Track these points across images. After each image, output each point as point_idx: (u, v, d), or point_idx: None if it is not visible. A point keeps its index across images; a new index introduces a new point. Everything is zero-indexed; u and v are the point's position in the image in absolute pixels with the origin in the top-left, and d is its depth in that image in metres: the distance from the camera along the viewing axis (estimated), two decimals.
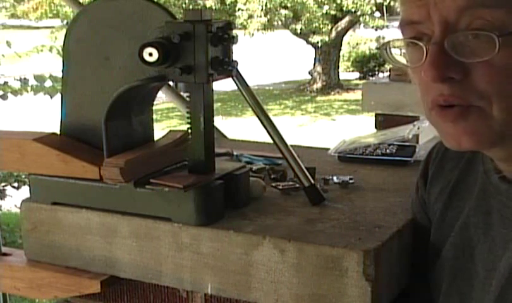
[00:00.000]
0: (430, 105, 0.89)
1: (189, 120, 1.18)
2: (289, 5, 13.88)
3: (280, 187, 1.29)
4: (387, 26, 14.79)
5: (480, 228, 0.99)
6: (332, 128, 10.99)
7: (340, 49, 15.20)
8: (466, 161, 1.07)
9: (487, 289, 0.95)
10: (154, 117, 1.31)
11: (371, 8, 13.67)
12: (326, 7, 14.02)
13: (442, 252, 1.07)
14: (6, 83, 4.17)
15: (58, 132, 1.29)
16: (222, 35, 1.14)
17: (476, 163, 1.04)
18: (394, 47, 0.93)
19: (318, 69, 14.82)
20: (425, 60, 0.85)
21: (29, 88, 4.06)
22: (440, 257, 1.07)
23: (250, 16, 13.82)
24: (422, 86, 0.89)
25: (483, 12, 0.81)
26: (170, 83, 1.19)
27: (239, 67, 1.20)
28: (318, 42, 14.47)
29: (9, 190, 5.63)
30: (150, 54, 1.10)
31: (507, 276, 0.91)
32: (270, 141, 1.25)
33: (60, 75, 1.29)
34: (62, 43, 1.31)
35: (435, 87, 0.86)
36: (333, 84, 14.79)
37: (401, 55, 0.94)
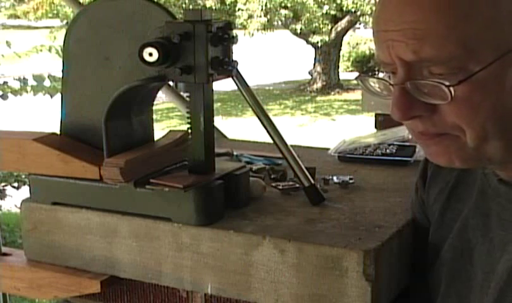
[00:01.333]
0: (410, 132, 0.93)
1: (189, 120, 1.18)
2: (289, 5, 13.88)
3: (280, 187, 1.29)
4: None
5: (479, 230, 0.99)
6: (332, 128, 10.99)
7: (340, 49, 15.20)
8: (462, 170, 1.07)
9: (485, 291, 0.95)
10: (154, 117, 1.31)
11: (371, 8, 13.66)
12: (326, 7, 14.02)
13: (440, 253, 1.07)
14: (5, 83, 4.17)
15: (58, 132, 1.29)
16: (222, 35, 1.14)
17: (474, 169, 1.04)
18: (369, 79, 0.95)
19: (318, 69, 14.82)
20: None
21: (29, 88, 4.06)
22: (438, 258, 1.07)
23: (250, 16, 13.82)
24: None
25: (430, 67, 0.83)
26: (170, 83, 1.20)
27: (239, 67, 1.20)
28: (318, 42, 14.46)
29: (9, 190, 5.63)
30: (150, 54, 1.10)
31: (505, 279, 0.91)
32: (270, 141, 1.25)
33: (59, 75, 1.29)
34: (61, 43, 1.31)
35: (405, 124, 0.90)
36: (333, 84, 14.78)
37: (377, 87, 0.96)
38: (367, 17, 14.12)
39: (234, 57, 1.18)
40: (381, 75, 0.94)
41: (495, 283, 0.93)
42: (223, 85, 1.56)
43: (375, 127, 2.98)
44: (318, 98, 14.17)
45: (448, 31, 0.80)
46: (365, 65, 16.01)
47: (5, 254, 1.42)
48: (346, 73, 16.12)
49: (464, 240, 1.02)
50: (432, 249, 1.10)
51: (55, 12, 16.22)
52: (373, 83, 0.95)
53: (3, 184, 5.56)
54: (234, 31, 1.17)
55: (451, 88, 0.81)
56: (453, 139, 0.87)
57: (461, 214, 1.04)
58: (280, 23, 14.48)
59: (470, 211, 1.02)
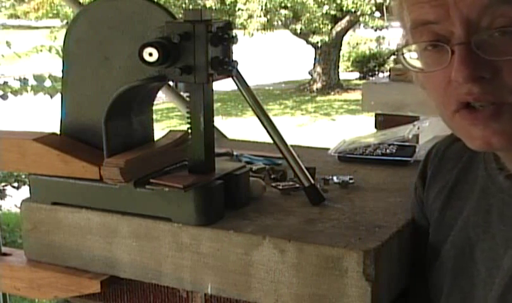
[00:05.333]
0: (454, 106, 0.87)
1: (189, 120, 1.18)
2: (289, 5, 13.88)
3: (280, 187, 1.29)
4: (386, 27, 14.78)
5: (480, 226, 0.99)
6: (332, 128, 10.99)
7: (340, 49, 15.19)
8: (466, 161, 1.07)
9: (490, 287, 0.95)
10: (154, 117, 1.31)
11: (371, 8, 13.66)
12: (326, 7, 14.02)
13: (441, 252, 1.07)
14: (5, 83, 4.17)
15: (58, 132, 1.29)
16: (222, 35, 1.14)
17: (477, 162, 1.04)
18: (410, 51, 0.91)
19: (318, 69, 14.82)
20: (451, 61, 0.83)
21: (29, 88, 4.05)
22: (440, 257, 1.07)
23: (250, 16, 13.82)
24: (441, 89, 0.88)
25: (504, 10, 0.80)
26: (170, 83, 1.20)
27: (239, 67, 1.20)
28: (318, 42, 14.46)
29: (9, 190, 5.63)
30: (150, 54, 1.10)
31: (510, 274, 0.91)
32: (270, 141, 1.25)
33: (60, 75, 1.29)
34: (61, 43, 1.31)
35: (462, 87, 0.84)
36: (333, 84, 14.78)
37: (417, 59, 0.91)
38: (367, 17, 14.11)
39: (234, 57, 1.18)
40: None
41: (499, 278, 0.93)
42: (223, 85, 1.55)
43: (375, 127, 2.99)
44: (318, 98, 14.17)
45: None
46: (365, 65, 16.00)
47: (5, 254, 1.42)
48: (346, 73, 16.13)
49: (465, 238, 1.02)
50: (432, 248, 1.10)
51: (55, 12, 16.23)
52: (413, 57, 0.89)
53: (3, 184, 5.56)
54: (234, 31, 1.17)
55: None
56: (508, 110, 0.83)
57: (462, 213, 1.04)
58: (280, 23, 14.48)
59: (471, 209, 1.02)
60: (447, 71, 0.85)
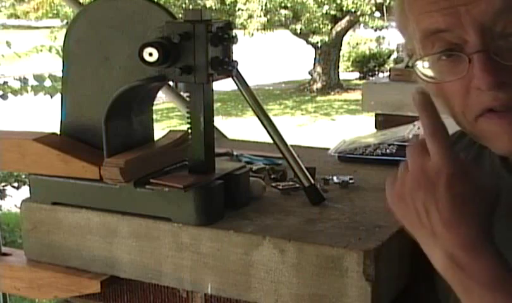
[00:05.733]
0: (477, 112, 0.86)
1: (189, 120, 1.18)
2: (289, 5, 13.87)
3: (280, 187, 1.29)
4: (386, 27, 14.78)
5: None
6: (332, 128, 10.99)
7: (340, 49, 15.19)
8: (472, 158, 1.07)
9: None
10: (154, 117, 1.31)
11: (371, 8, 13.66)
12: (326, 7, 14.02)
13: None
14: (5, 83, 4.17)
15: (58, 132, 1.29)
16: (222, 35, 1.14)
17: (483, 159, 1.03)
18: (425, 60, 0.88)
19: (318, 69, 14.81)
20: (469, 70, 0.82)
21: (29, 88, 4.05)
22: None
23: (250, 16, 13.81)
24: (459, 98, 0.86)
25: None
26: (170, 83, 1.20)
27: (239, 67, 1.20)
28: (318, 42, 14.46)
29: (9, 190, 5.63)
30: (150, 54, 1.10)
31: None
32: (270, 141, 1.25)
33: (60, 75, 1.29)
34: (62, 43, 1.31)
35: (485, 95, 0.83)
36: (333, 84, 14.78)
37: (429, 68, 0.89)
38: (367, 17, 14.11)
39: (234, 57, 1.18)
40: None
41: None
42: (223, 85, 1.55)
43: (375, 127, 2.99)
44: (318, 98, 14.17)
45: None
46: (365, 65, 16.00)
47: (5, 254, 1.42)
48: (346, 73, 16.12)
49: None
50: None
51: (55, 12, 16.23)
52: (426, 66, 0.87)
53: (3, 184, 5.56)
54: (234, 31, 1.17)
55: None
56: None
57: None
58: (280, 23, 14.48)
59: None
60: (465, 79, 0.84)
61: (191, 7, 12.02)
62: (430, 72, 0.89)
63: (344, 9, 13.87)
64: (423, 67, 0.89)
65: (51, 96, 3.93)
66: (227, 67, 1.16)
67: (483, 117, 0.86)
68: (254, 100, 1.23)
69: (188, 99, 1.18)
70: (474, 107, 0.86)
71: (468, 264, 0.79)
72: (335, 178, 1.35)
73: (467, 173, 0.81)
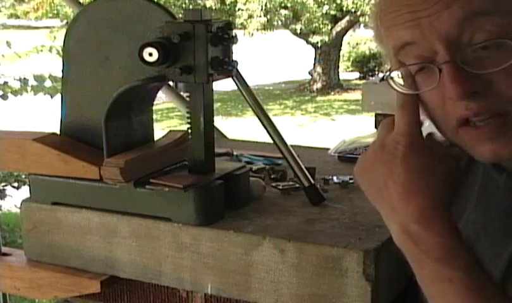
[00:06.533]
0: (455, 123, 0.86)
1: (189, 120, 1.18)
2: (289, 5, 13.87)
3: (280, 187, 1.29)
4: None
5: (480, 224, 0.99)
6: (332, 128, 10.98)
7: (340, 49, 15.18)
8: (466, 159, 1.07)
9: (493, 275, 0.95)
10: (154, 117, 1.31)
11: (370, 8, 13.65)
12: (326, 7, 14.02)
13: None
14: (5, 83, 4.17)
15: (58, 132, 1.29)
16: (222, 35, 1.14)
17: (477, 160, 1.04)
18: (396, 77, 0.89)
19: (318, 69, 14.81)
20: (441, 80, 0.82)
21: (29, 88, 4.05)
22: None
23: (250, 16, 13.81)
24: (439, 108, 0.87)
25: (481, 22, 0.80)
26: (170, 83, 1.20)
27: (239, 67, 1.20)
28: (318, 42, 14.46)
29: (9, 190, 5.62)
30: (150, 54, 1.10)
31: (508, 264, 0.91)
32: (270, 141, 1.25)
33: (60, 75, 1.29)
34: (62, 43, 1.31)
35: (458, 105, 0.83)
36: (333, 84, 14.77)
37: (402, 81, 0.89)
38: (367, 17, 14.11)
39: (234, 57, 1.18)
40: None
41: (500, 267, 0.93)
42: (223, 85, 1.56)
43: (375, 127, 2.98)
44: (318, 98, 14.16)
45: None
46: (365, 65, 16.00)
47: (5, 254, 1.42)
48: (346, 73, 16.11)
49: (467, 236, 1.02)
50: None
51: (55, 12, 16.22)
52: (399, 77, 0.89)
53: (3, 184, 5.56)
54: (234, 31, 1.17)
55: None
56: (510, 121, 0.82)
57: (464, 212, 1.04)
58: (280, 23, 14.47)
59: (472, 207, 1.02)
60: (441, 90, 0.84)
61: (191, 7, 12.03)
62: (403, 84, 0.89)
63: (344, 9, 13.86)
64: (399, 78, 0.89)
65: (51, 96, 3.93)
66: (227, 67, 1.16)
67: (462, 129, 0.86)
68: (254, 100, 1.23)
69: (188, 99, 1.18)
70: (451, 117, 0.86)
71: (420, 237, 0.79)
72: (335, 178, 1.35)
73: (423, 144, 0.82)
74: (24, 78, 4.10)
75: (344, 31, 14.80)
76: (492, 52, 0.81)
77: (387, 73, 0.89)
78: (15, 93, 4.09)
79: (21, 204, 1.31)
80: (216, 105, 1.66)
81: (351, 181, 1.33)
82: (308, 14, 14.02)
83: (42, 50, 4.36)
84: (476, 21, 0.80)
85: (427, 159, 0.82)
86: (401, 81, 0.89)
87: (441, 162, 0.83)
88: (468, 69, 0.81)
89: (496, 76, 0.82)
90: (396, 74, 0.90)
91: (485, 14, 0.80)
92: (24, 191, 5.12)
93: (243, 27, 13.71)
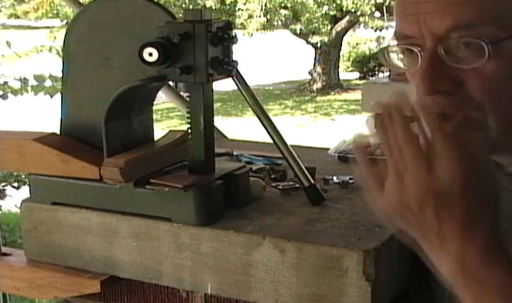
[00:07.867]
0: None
1: (189, 120, 1.18)
2: (289, 5, 13.87)
3: (280, 187, 1.29)
4: (386, 27, 14.78)
5: None
6: (332, 128, 10.99)
7: (340, 49, 15.18)
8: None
9: None
10: (154, 117, 1.31)
11: (371, 8, 13.66)
12: (326, 8, 14.02)
13: None
14: (5, 82, 4.17)
15: (58, 132, 1.29)
16: (222, 35, 1.14)
17: None
18: (392, 52, 0.94)
19: (318, 69, 14.81)
20: (420, 67, 0.86)
21: (29, 88, 4.05)
22: None
23: (250, 16, 13.81)
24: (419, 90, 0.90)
25: (471, 32, 0.83)
26: (170, 83, 1.20)
27: (239, 67, 1.20)
28: (318, 42, 14.46)
29: (9, 190, 5.63)
30: (150, 54, 1.10)
31: None
32: (270, 141, 1.25)
33: (60, 75, 1.29)
34: (62, 43, 1.31)
35: (426, 99, 0.86)
36: (333, 84, 14.77)
37: (398, 59, 0.94)
38: (367, 17, 14.11)
39: (234, 57, 1.18)
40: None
41: None
42: (223, 85, 1.55)
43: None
44: (318, 98, 14.16)
45: None
46: (365, 65, 16.00)
47: (5, 254, 1.42)
48: (346, 73, 16.11)
49: None
50: None
51: (55, 12, 16.22)
52: (396, 55, 0.93)
53: (3, 184, 5.56)
54: (234, 31, 1.17)
55: (490, 46, 0.80)
56: (475, 127, 0.85)
57: None
58: (280, 23, 14.47)
59: None
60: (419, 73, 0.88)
61: (191, 7, 12.03)
62: (399, 63, 0.94)
63: (344, 9, 13.87)
64: (393, 58, 0.94)
65: (51, 96, 3.93)
66: (227, 67, 1.16)
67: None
68: (254, 100, 1.23)
69: (188, 99, 1.18)
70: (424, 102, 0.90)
71: (481, 274, 0.78)
72: (335, 178, 1.35)
73: (480, 178, 0.80)
74: (25, 78, 4.10)
75: (344, 31, 14.80)
76: (472, 51, 0.83)
77: (385, 48, 0.93)
78: (15, 93, 4.09)
79: (21, 204, 1.31)
80: (216, 105, 1.66)
81: (351, 181, 1.33)
82: (308, 14, 14.02)
83: (41, 50, 4.36)
84: (464, 31, 0.83)
85: (484, 192, 0.80)
86: (395, 61, 0.93)
87: (494, 192, 0.82)
88: (445, 60, 0.84)
89: (469, 77, 0.85)
90: (393, 56, 0.94)
91: (475, 26, 0.83)
92: (24, 191, 5.12)
93: (243, 27, 13.71)
